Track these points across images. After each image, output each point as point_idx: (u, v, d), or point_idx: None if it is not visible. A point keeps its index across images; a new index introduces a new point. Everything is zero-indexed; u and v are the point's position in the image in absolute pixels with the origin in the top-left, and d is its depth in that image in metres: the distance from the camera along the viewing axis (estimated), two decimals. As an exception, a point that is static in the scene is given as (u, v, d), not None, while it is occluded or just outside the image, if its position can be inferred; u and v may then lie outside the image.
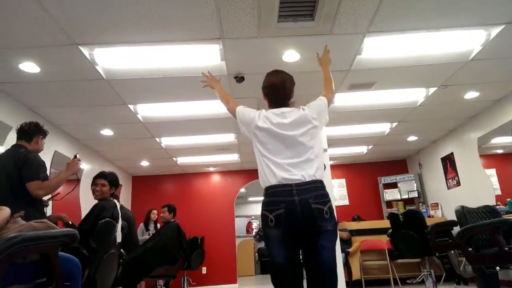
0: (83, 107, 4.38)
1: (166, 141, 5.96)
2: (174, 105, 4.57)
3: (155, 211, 6.37)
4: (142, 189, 7.87)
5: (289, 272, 1.84)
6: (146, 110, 4.68)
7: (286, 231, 1.80)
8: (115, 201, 3.05)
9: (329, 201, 1.90)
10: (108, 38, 3.08)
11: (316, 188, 1.88)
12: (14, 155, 2.56)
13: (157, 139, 5.78)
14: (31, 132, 2.73)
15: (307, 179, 1.86)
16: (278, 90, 2.18)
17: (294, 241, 1.85)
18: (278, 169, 1.89)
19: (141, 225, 6.30)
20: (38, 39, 2.99)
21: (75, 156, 2.82)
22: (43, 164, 2.61)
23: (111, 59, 3.43)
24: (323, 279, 1.83)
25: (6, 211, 1.81)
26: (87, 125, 4.96)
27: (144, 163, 7.13)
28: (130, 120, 4.86)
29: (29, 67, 3.38)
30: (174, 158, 6.92)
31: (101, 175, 3.15)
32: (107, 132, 5.25)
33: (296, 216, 1.79)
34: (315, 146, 2.01)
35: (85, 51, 3.21)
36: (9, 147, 2.75)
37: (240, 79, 3.87)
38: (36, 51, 3.16)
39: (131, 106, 4.45)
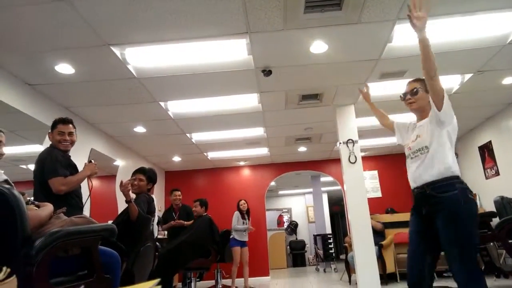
0: (116, 106, 4.52)
1: (197, 136, 6.05)
2: (203, 101, 4.63)
3: (242, 201, 6.43)
4: (174, 184, 8.03)
5: None
6: (176, 107, 4.77)
7: None
8: (153, 196, 3.13)
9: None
10: (138, 38, 3.16)
11: None
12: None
13: (188, 135, 5.88)
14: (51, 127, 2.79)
15: None
16: None
17: None
18: None
19: (236, 212, 6.40)
20: (71, 41, 3.11)
21: (90, 161, 2.84)
22: (60, 160, 2.61)
23: (141, 58, 3.52)
24: None
25: (49, 207, 1.91)
26: (120, 123, 5.13)
27: (176, 159, 7.28)
28: (162, 117, 4.97)
29: (64, 68, 3.52)
30: (204, 153, 7.03)
31: (140, 170, 3.26)
32: (140, 129, 5.40)
33: None
34: None
35: (116, 51, 3.31)
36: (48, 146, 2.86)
37: (267, 72, 3.86)
38: (70, 52, 3.29)
39: (162, 103, 4.55)
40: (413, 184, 2.19)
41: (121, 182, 2.88)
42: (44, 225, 1.75)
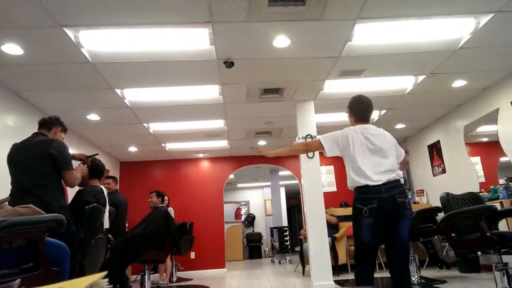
0: (68, 91, 4.29)
1: (154, 126, 5.90)
2: (162, 90, 4.50)
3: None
4: (130, 175, 7.82)
5: None
6: (133, 95, 4.61)
7: None
8: (102, 186, 3.01)
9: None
10: (94, 20, 3.00)
11: None
12: (40, 142, 2.59)
13: (145, 125, 5.71)
14: (51, 122, 2.81)
15: None
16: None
17: None
18: None
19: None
20: (20, 19, 2.89)
21: (88, 158, 3.05)
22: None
23: (97, 41, 3.35)
24: None
25: (-10, 196, 1.78)
26: (72, 110, 4.87)
27: (132, 149, 7.06)
28: (117, 105, 4.78)
29: (12, 48, 3.28)
30: (162, 144, 6.87)
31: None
32: (93, 117, 5.16)
33: None
34: None
35: (70, 33, 3.12)
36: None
37: (229, 64, 3.82)
38: (19, 32, 3.06)
39: (118, 91, 4.38)
40: None
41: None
42: (-16, 215, 1.62)
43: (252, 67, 4.01)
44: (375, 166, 2.44)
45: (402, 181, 2.59)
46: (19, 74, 3.77)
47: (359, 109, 2.71)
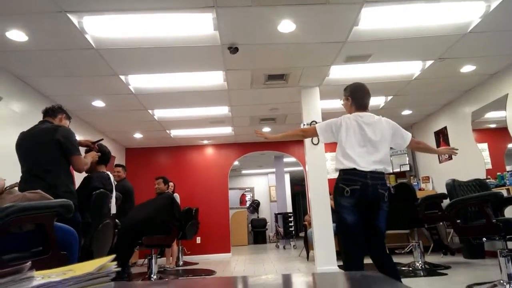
0: (73, 77, 4.29)
1: (159, 113, 5.90)
2: (166, 76, 4.49)
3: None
4: (136, 161, 7.87)
5: None
6: (138, 81, 4.60)
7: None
8: (108, 172, 3.04)
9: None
10: (98, 6, 2.98)
11: None
12: (47, 129, 2.62)
13: (150, 111, 5.72)
14: (54, 110, 2.84)
15: None
16: None
17: None
18: None
19: None
20: (24, 5, 2.87)
21: (94, 144, 3.07)
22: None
23: (101, 27, 3.33)
24: None
25: (0, 182, 1.80)
26: (78, 96, 4.88)
27: (137, 135, 7.09)
28: (122, 91, 4.78)
29: (17, 35, 3.27)
30: (167, 131, 6.88)
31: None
32: (98, 103, 5.17)
33: None
34: None
35: (73, 18, 3.11)
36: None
37: (234, 49, 3.79)
38: (23, 18, 3.05)
39: (122, 77, 4.37)
40: None
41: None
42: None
43: (257, 52, 3.98)
44: (365, 155, 2.48)
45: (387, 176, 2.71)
46: (24, 60, 3.77)
47: (361, 97, 2.71)
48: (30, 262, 0.50)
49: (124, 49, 3.68)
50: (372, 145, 2.50)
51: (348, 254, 2.47)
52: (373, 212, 2.47)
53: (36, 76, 4.17)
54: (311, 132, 2.87)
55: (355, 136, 2.52)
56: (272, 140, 2.97)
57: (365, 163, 2.44)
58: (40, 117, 2.83)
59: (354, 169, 2.43)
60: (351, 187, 2.41)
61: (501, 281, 3.04)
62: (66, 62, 3.89)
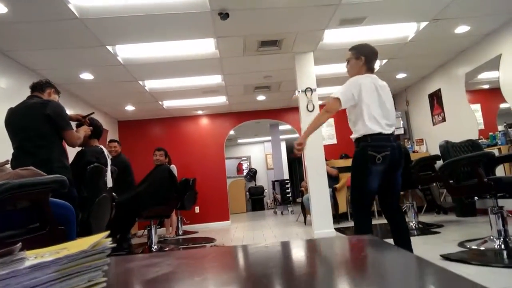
0: (58, 50, 4.16)
1: (150, 84, 5.80)
2: (156, 45, 4.37)
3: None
4: (129, 134, 7.82)
5: None
6: (126, 52, 4.48)
7: None
8: (101, 146, 3.02)
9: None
10: (79, -28, 2.84)
11: None
12: (36, 104, 2.57)
13: (141, 82, 5.61)
14: (42, 84, 2.77)
15: None
16: None
17: None
18: None
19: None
20: (1, -26, 2.73)
21: (84, 118, 3.04)
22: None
23: (84, -5, 3.20)
24: None
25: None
26: (65, 69, 4.76)
27: (129, 108, 6.99)
28: (110, 63, 4.66)
29: (-4, 6, 3.13)
30: (160, 102, 6.79)
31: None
32: (86, 76, 5.06)
33: None
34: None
35: (55, -13, 2.97)
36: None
37: (224, 15, 3.67)
38: (1, -12, 2.91)
39: (109, 48, 4.24)
40: None
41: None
42: (-14, 179, 1.63)
43: (248, 18, 3.86)
44: (385, 116, 2.47)
45: None
46: (5, 33, 3.63)
47: (373, 59, 2.65)
48: (20, 243, 0.49)
49: (110, 18, 3.55)
50: (386, 108, 2.50)
51: (365, 219, 2.50)
52: (396, 173, 2.52)
53: (20, 49, 4.04)
54: (334, 105, 2.48)
55: (373, 98, 2.47)
56: (306, 138, 2.67)
57: (387, 126, 2.45)
58: (27, 93, 2.76)
59: (380, 133, 2.41)
60: (382, 154, 2.39)
61: (491, 237, 3.14)
62: (50, 34, 3.76)
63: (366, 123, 2.43)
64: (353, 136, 2.55)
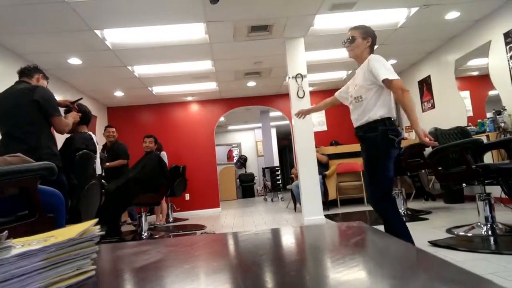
0: (45, 34, 4.05)
1: (139, 69, 5.71)
2: (145, 30, 4.29)
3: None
4: (118, 120, 7.72)
5: None
6: (115, 36, 4.39)
7: None
8: (90, 133, 2.98)
9: None
10: (64, -47, 2.75)
11: None
12: (24, 89, 2.52)
13: (129, 68, 5.52)
14: (30, 69, 2.72)
15: None
16: None
17: None
18: None
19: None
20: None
21: (73, 104, 2.98)
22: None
23: (70, -23, 3.10)
24: None
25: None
26: (52, 54, 4.65)
27: (118, 94, 6.90)
28: (98, 47, 4.57)
29: (-23, -12, 3.03)
30: (149, 88, 6.71)
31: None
32: (74, 60, 4.95)
33: None
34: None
35: (39, -32, 2.88)
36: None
37: (214, 0, 3.60)
38: (-18, -32, 2.81)
39: (97, 32, 4.15)
40: (354, 125, 2.56)
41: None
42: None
43: (239, 2, 3.80)
44: None
45: None
46: (-11, 16, 3.53)
47: (375, 43, 2.59)
48: (6, 232, 0.48)
49: (97, 1, 3.47)
50: None
51: (401, 218, 2.48)
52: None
53: (5, 34, 3.93)
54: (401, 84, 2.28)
55: None
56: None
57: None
58: (15, 78, 2.70)
59: (391, 118, 2.36)
60: (399, 138, 2.34)
61: (479, 223, 3.20)
62: (35, 18, 3.66)
63: (392, 104, 2.35)
64: (371, 116, 2.34)
